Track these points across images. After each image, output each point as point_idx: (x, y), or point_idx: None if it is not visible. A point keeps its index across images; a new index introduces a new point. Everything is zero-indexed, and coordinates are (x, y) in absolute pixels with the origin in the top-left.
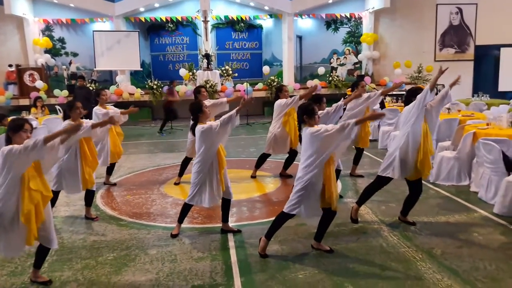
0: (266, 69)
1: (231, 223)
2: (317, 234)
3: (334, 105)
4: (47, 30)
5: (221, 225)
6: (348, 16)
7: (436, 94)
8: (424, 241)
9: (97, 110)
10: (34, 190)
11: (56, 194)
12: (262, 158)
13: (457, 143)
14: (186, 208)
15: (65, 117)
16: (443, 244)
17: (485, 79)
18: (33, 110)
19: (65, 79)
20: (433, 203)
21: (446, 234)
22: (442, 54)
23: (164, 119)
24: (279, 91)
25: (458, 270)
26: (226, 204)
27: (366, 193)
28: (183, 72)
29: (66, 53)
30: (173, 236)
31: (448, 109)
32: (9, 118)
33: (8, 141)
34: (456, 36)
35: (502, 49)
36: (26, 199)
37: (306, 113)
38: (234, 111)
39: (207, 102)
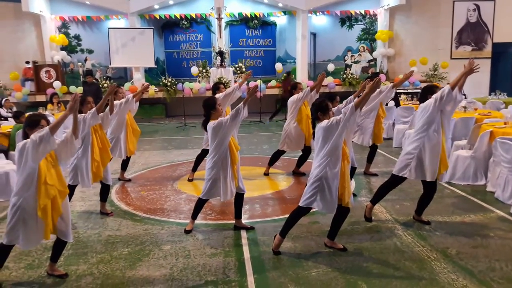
0: (278, 66)
1: (244, 220)
2: (331, 232)
3: (345, 101)
4: (63, 27)
5: (234, 221)
6: (363, 13)
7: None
8: (439, 240)
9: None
10: (50, 185)
11: (72, 188)
12: (276, 155)
13: (474, 142)
14: (200, 204)
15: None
16: (458, 244)
17: (502, 77)
18: (49, 106)
19: (81, 76)
20: (448, 202)
21: (461, 234)
22: (459, 52)
23: (278, 109)
24: (294, 88)
25: (474, 271)
26: (239, 199)
27: (380, 192)
28: (194, 70)
29: (82, 50)
30: (187, 232)
31: (465, 107)
32: (26, 115)
33: (26, 137)
34: (473, 33)
35: None
36: (42, 193)
37: (320, 110)
38: (241, 103)
39: (220, 94)
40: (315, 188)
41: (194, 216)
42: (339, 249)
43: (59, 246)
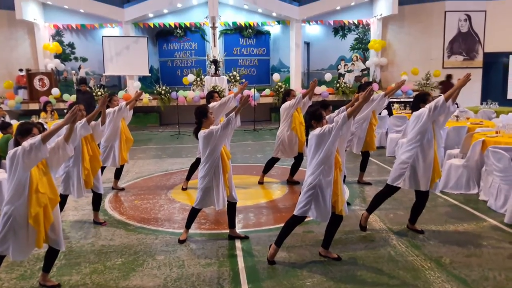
0: (276, 76)
1: (238, 229)
2: (325, 241)
3: (337, 111)
4: (57, 35)
5: (228, 231)
6: (356, 23)
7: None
8: (433, 249)
9: (109, 110)
10: (42, 193)
11: (64, 198)
12: (271, 163)
13: (466, 151)
14: (193, 213)
15: None
16: (452, 253)
17: (494, 87)
18: (42, 114)
19: (74, 84)
20: (441, 211)
21: (454, 243)
22: (451, 61)
23: None
24: (287, 95)
25: (467, 280)
26: (231, 208)
27: (376, 201)
28: (191, 77)
29: (76, 58)
30: (181, 241)
31: (457, 116)
32: (15, 125)
33: (17, 145)
34: (464, 43)
35: (511, 56)
36: (34, 201)
37: (314, 118)
38: (233, 113)
39: (215, 103)
40: (309, 197)
41: (188, 226)
42: (334, 258)
43: (51, 255)
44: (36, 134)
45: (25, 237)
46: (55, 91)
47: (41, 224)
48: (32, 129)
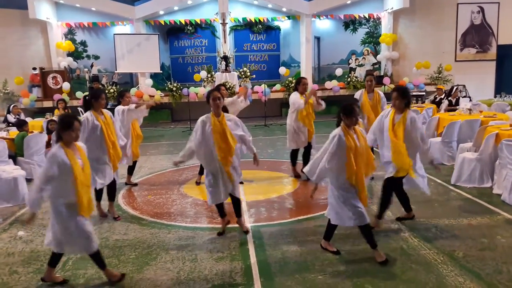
0: (282, 70)
1: (250, 224)
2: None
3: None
4: (70, 33)
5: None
6: (367, 17)
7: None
8: (445, 243)
9: (119, 108)
10: (87, 185)
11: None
12: (293, 154)
13: (479, 144)
14: (217, 206)
15: (86, 108)
16: (465, 246)
17: (507, 79)
18: (56, 111)
19: (87, 82)
20: (454, 205)
21: (468, 237)
22: (463, 54)
23: None
24: (297, 83)
25: (481, 273)
26: (235, 201)
27: (384, 202)
28: (203, 74)
29: (88, 56)
30: (220, 234)
31: (470, 109)
32: (30, 123)
33: (59, 139)
34: (477, 35)
35: None
36: (80, 192)
37: (344, 112)
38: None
39: (228, 100)
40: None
41: (221, 215)
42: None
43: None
44: (77, 128)
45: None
46: (66, 85)
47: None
48: (73, 123)
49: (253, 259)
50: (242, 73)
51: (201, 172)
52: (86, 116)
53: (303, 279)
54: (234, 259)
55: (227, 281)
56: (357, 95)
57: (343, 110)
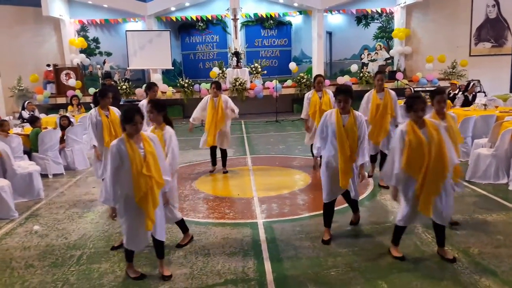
0: (292, 65)
1: (262, 219)
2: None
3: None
4: (82, 30)
5: (253, 220)
6: (379, 11)
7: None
8: (460, 240)
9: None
10: (147, 175)
11: None
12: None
13: (495, 140)
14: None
15: (95, 104)
16: (481, 243)
17: None
18: (69, 108)
19: (99, 78)
20: (469, 201)
21: (483, 233)
22: (478, 49)
23: None
24: (314, 80)
25: (497, 271)
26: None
27: None
28: (217, 70)
29: (100, 53)
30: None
31: (485, 105)
32: (43, 119)
33: (124, 131)
34: (493, 29)
35: None
36: (138, 182)
37: (406, 105)
38: None
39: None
40: None
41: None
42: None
43: (156, 245)
44: (138, 121)
45: (136, 220)
46: (72, 82)
47: (149, 205)
48: (134, 116)
49: (265, 254)
50: (253, 69)
51: (214, 163)
52: (91, 112)
53: (316, 274)
54: (246, 254)
55: (240, 276)
56: (365, 97)
57: (406, 101)
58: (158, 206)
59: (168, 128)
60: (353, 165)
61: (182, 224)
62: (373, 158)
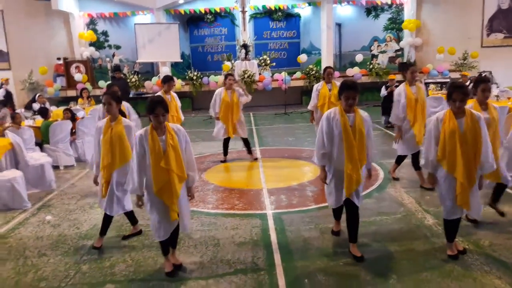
0: (304, 57)
1: (271, 210)
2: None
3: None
4: (91, 23)
5: (262, 211)
6: (389, 3)
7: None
8: (471, 231)
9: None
10: (165, 168)
11: None
12: None
13: (507, 131)
14: None
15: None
16: (492, 235)
17: None
18: (80, 100)
19: (109, 71)
20: (480, 193)
21: (494, 225)
22: (490, 40)
23: None
24: (323, 72)
25: (508, 262)
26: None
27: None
28: (228, 63)
29: (110, 46)
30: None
31: (497, 96)
32: (54, 111)
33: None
34: (505, 20)
35: None
36: (157, 174)
37: (448, 92)
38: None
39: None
40: None
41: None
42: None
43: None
44: (159, 114)
45: (161, 209)
46: (78, 77)
47: (169, 197)
48: (155, 108)
49: (274, 245)
50: (262, 61)
51: (225, 153)
52: (100, 105)
53: (325, 265)
54: (256, 244)
55: (250, 266)
56: (398, 92)
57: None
58: (180, 198)
59: (126, 120)
60: (362, 169)
61: (131, 216)
62: (402, 158)
